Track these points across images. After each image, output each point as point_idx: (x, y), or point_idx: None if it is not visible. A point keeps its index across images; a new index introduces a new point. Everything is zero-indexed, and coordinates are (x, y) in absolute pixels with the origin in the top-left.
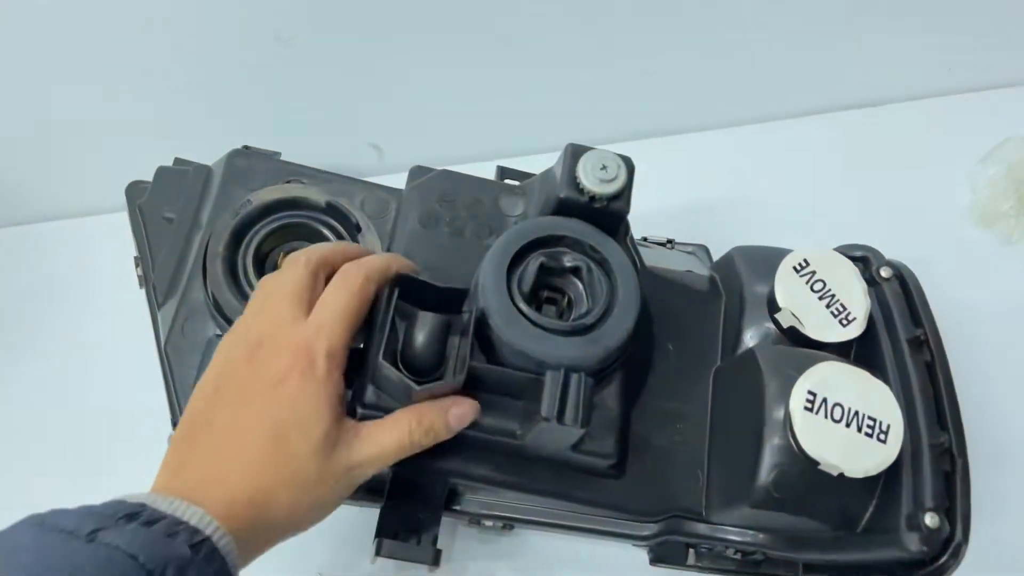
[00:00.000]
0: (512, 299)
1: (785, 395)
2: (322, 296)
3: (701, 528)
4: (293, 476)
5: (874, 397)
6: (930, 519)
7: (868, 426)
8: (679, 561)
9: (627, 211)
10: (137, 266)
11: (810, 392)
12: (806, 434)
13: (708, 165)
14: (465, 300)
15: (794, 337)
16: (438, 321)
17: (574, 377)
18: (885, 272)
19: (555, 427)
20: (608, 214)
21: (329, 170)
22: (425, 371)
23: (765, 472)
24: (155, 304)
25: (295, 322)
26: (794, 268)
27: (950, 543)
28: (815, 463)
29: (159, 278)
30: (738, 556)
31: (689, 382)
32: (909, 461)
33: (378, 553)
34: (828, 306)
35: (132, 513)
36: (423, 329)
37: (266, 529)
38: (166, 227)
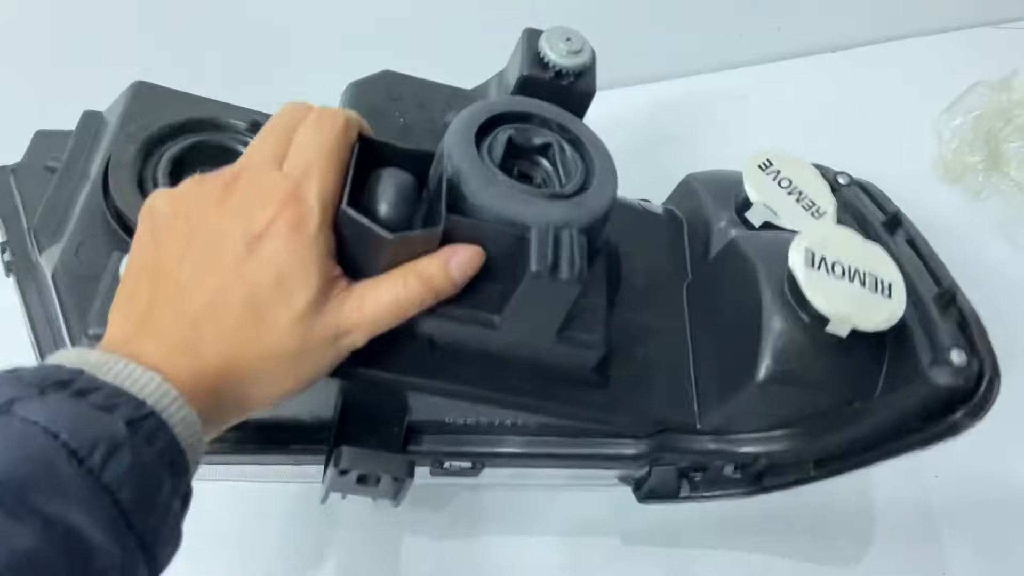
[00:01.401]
0: (484, 164)
1: (778, 269)
2: (298, 139)
3: (696, 443)
4: (271, 347)
5: (871, 257)
6: (955, 355)
7: (871, 282)
8: (671, 493)
9: (594, 90)
10: (3, 252)
11: (808, 250)
12: (811, 289)
13: (665, 113)
14: (431, 167)
15: None
16: (406, 177)
17: (565, 231)
18: (843, 179)
19: (546, 288)
20: (574, 94)
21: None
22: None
23: (768, 347)
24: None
25: (277, 163)
26: (759, 167)
27: (981, 379)
28: (822, 323)
29: (41, 225)
30: (738, 474)
31: (662, 300)
32: (916, 317)
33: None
34: (798, 201)
35: (65, 380)
36: (391, 182)
37: (235, 406)
38: (47, 178)
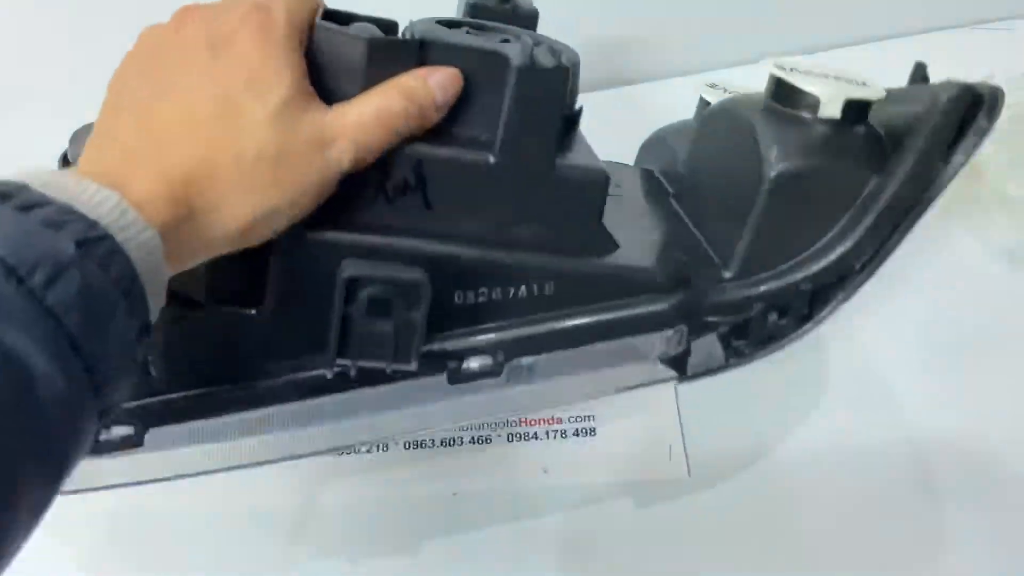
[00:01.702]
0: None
1: (754, 102)
2: None
3: (730, 293)
4: (246, 149)
5: (842, 71)
6: (948, 83)
7: (848, 78)
8: (717, 363)
9: (537, 11)
10: None
11: (780, 64)
12: (796, 79)
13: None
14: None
15: None
16: (376, 29)
17: (541, 45)
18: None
19: (532, 84)
20: (520, 16)
21: None
22: None
23: (771, 152)
24: None
25: None
26: (708, 86)
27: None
28: (814, 110)
29: None
30: (783, 319)
31: (652, 208)
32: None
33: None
34: None
35: (6, 193)
36: (362, 31)
37: (207, 226)
38: None
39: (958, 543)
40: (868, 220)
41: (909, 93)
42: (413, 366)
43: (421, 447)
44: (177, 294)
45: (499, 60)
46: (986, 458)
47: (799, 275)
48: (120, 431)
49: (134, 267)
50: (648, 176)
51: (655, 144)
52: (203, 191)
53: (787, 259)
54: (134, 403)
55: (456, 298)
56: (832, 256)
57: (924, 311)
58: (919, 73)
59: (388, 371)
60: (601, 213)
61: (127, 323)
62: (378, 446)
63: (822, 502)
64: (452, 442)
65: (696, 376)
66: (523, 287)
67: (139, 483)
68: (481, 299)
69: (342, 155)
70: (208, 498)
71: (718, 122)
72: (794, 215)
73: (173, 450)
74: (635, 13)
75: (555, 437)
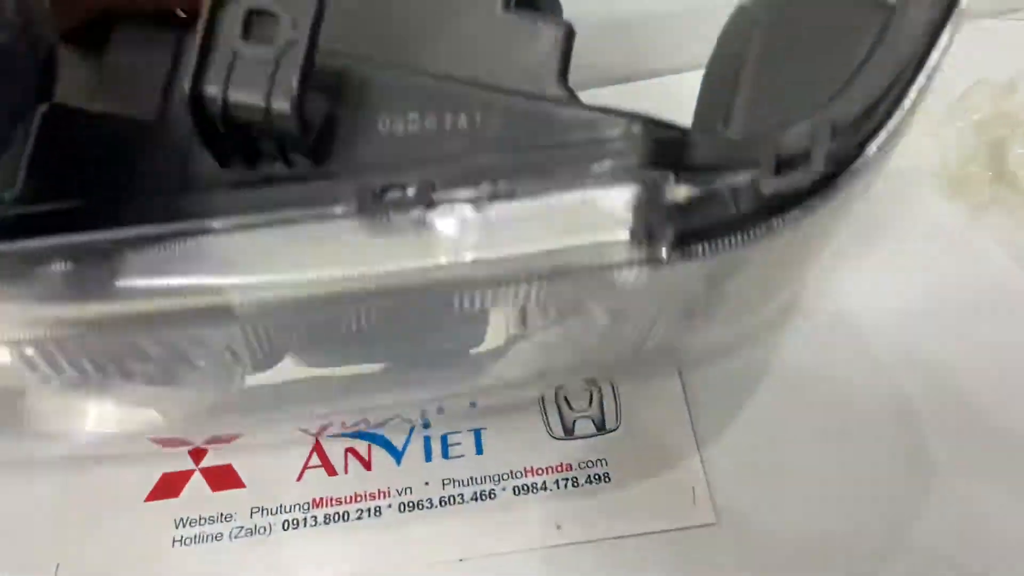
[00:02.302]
0: None
1: None
2: None
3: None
4: None
5: None
6: None
7: None
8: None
9: None
10: None
11: None
12: None
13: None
14: None
15: None
16: None
17: None
18: None
19: None
20: None
21: None
22: None
23: None
24: None
25: None
26: None
27: None
28: None
29: None
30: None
31: None
32: None
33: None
34: None
35: None
36: None
37: None
38: None
39: None
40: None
41: None
42: (287, 106)
43: (418, 508)
44: None
45: None
46: None
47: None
48: None
49: None
50: None
51: None
52: None
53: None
54: None
55: (380, 124)
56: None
57: (953, 319)
58: None
59: (272, 133)
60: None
61: None
62: (369, 511)
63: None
64: (452, 500)
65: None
66: (463, 117)
67: None
68: (411, 128)
69: None
70: None
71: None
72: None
73: None
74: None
75: (566, 486)
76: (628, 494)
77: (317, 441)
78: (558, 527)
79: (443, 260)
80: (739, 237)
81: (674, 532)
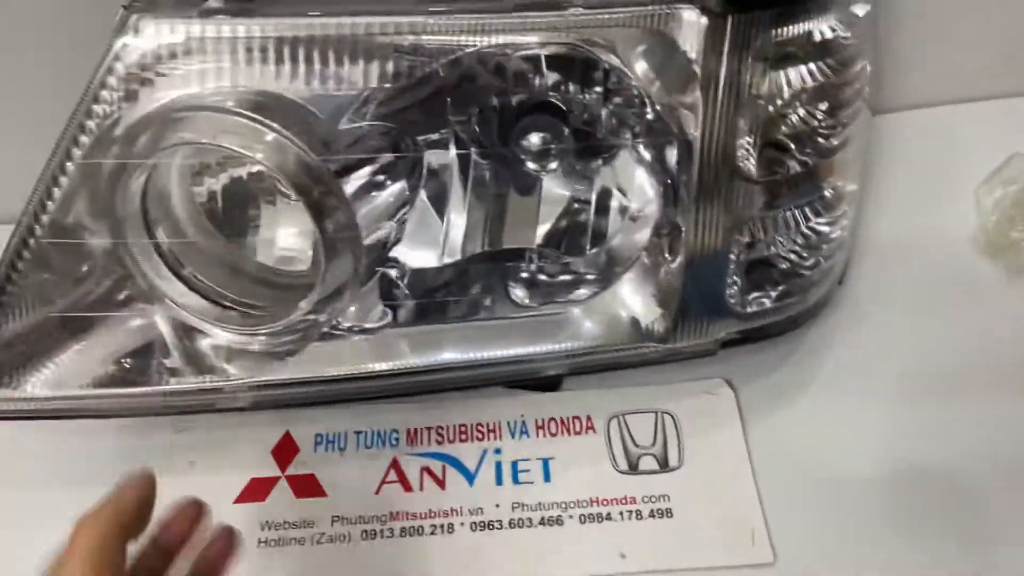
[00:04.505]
0: None
1: None
2: None
3: None
4: None
5: None
6: None
7: None
8: None
9: None
10: None
11: None
12: None
13: None
14: None
15: None
16: None
17: None
18: None
19: None
20: None
21: None
22: None
23: None
24: None
25: None
26: None
27: None
28: None
29: None
30: None
31: None
32: None
33: None
34: None
35: None
36: None
37: None
38: None
39: None
40: None
41: None
42: None
43: (489, 528)
44: None
45: None
46: None
47: None
48: None
49: None
50: None
51: None
52: None
53: None
54: None
55: None
56: None
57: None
58: None
59: None
60: None
61: None
62: (443, 527)
63: None
64: (521, 523)
65: None
66: None
67: None
68: None
69: None
70: None
71: None
72: None
73: None
74: None
75: (630, 518)
76: (690, 529)
77: (395, 458)
78: (622, 556)
79: None
80: None
81: (733, 569)
